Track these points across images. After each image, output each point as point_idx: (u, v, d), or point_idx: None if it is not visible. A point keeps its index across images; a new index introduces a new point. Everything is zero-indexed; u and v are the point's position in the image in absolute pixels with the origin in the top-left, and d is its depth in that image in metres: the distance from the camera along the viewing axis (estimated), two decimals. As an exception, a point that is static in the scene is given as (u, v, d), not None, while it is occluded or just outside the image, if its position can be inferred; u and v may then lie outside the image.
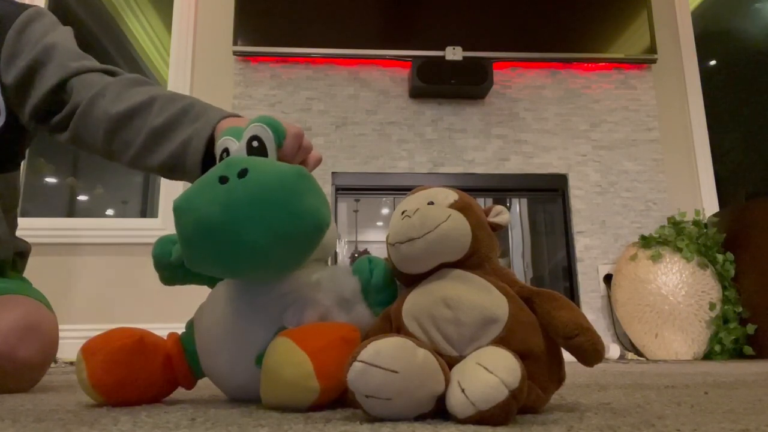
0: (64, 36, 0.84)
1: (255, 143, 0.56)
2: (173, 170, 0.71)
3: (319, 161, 0.67)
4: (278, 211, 0.46)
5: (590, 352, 0.47)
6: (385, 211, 2.60)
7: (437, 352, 0.46)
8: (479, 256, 0.52)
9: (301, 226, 0.48)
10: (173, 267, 0.61)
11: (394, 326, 0.52)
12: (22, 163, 0.92)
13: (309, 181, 0.50)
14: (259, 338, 0.54)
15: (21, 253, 0.94)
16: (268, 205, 0.46)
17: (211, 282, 0.64)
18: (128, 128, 0.72)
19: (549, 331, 0.49)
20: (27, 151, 0.93)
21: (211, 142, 0.67)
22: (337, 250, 2.34)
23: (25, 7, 0.86)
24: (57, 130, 0.80)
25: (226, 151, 0.57)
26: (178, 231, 0.49)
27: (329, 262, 0.69)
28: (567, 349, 0.48)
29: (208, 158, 0.68)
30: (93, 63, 0.81)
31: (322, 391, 0.47)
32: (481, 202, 0.58)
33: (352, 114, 2.43)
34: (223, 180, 0.47)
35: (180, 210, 0.49)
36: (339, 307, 0.56)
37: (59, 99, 0.78)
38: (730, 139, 2.92)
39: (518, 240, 2.52)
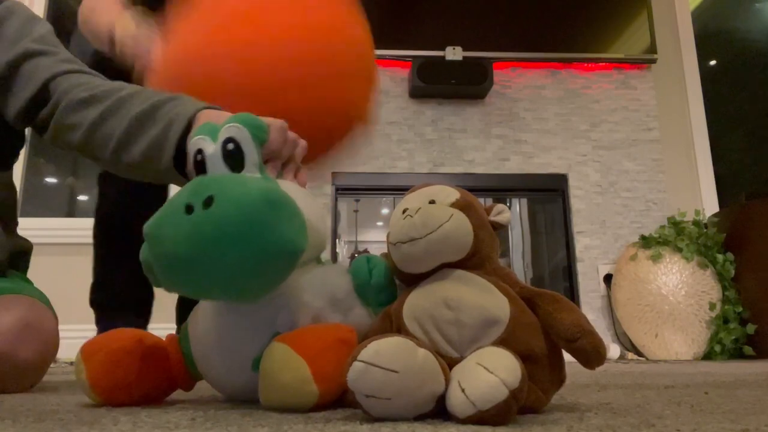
0: (42, 33, 0.81)
1: (230, 146, 0.53)
2: (151, 164, 0.67)
3: (305, 149, 0.64)
4: (243, 245, 0.45)
5: (592, 355, 0.47)
6: (385, 211, 2.60)
7: (437, 353, 0.46)
8: (481, 257, 0.52)
9: (271, 258, 0.46)
10: None
11: (394, 326, 0.52)
12: (16, 164, 0.89)
13: (280, 207, 0.47)
14: (253, 342, 0.53)
15: (22, 252, 0.93)
16: (235, 241, 0.44)
17: None
18: (110, 119, 0.70)
19: (550, 333, 0.49)
20: (20, 152, 0.91)
21: (185, 137, 0.64)
22: (337, 250, 2.34)
23: None
24: (40, 129, 0.78)
25: (200, 152, 0.54)
26: (150, 255, 0.48)
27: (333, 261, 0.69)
28: (569, 351, 0.48)
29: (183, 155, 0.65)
30: (76, 64, 0.78)
31: (321, 394, 0.47)
32: (481, 202, 0.58)
33: (352, 114, 2.43)
34: (189, 209, 0.45)
35: (149, 236, 0.48)
36: (332, 308, 0.56)
37: (43, 99, 0.76)
38: (730, 139, 2.92)
39: (518, 240, 2.52)
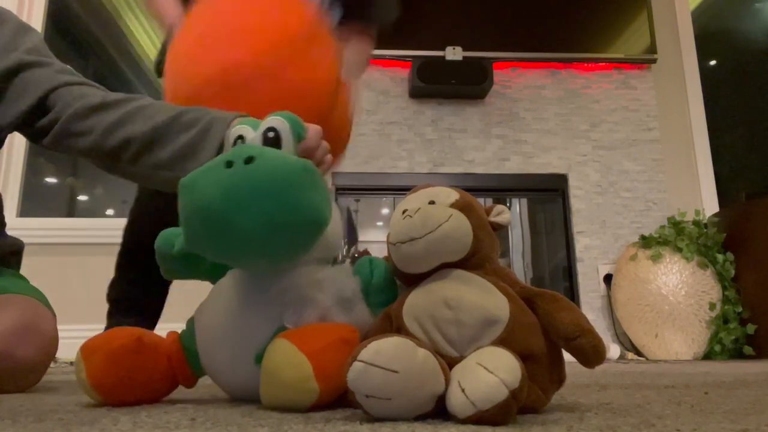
0: (33, 43, 0.81)
1: (271, 134, 0.57)
2: (183, 164, 0.69)
3: (331, 162, 0.69)
4: (276, 201, 0.47)
5: (591, 354, 0.47)
6: (385, 211, 2.60)
7: (437, 353, 0.46)
8: (480, 257, 0.52)
9: (298, 220, 0.48)
10: (175, 259, 0.62)
11: (394, 326, 0.52)
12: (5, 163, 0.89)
13: (314, 177, 0.50)
14: (259, 336, 0.54)
15: (14, 251, 0.94)
16: (267, 195, 0.46)
17: (212, 277, 0.64)
18: (129, 124, 0.72)
19: (550, 333, 0.49)
20: (2, 152, 0.91)
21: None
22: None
23: None
24: (36, 136, 0.78)
25: (240, 138, 0.58)
26: (180, 209, 0.49)
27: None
28: (568, 350, 0.48)
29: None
30: (74, 76, 0.79)
31: (322, 392, 0.47)
32: (481, 202, 0.58)
33: (352, 114, 2.43)
34: (229, 165, 0.47)
35: (184, 188, 0.49)
36: (339, 307, 0.56)
37: (42, 110, 0.76)
38: (730, 139, 2.92)
39: (518, 240, 2.52)
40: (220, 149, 0.67)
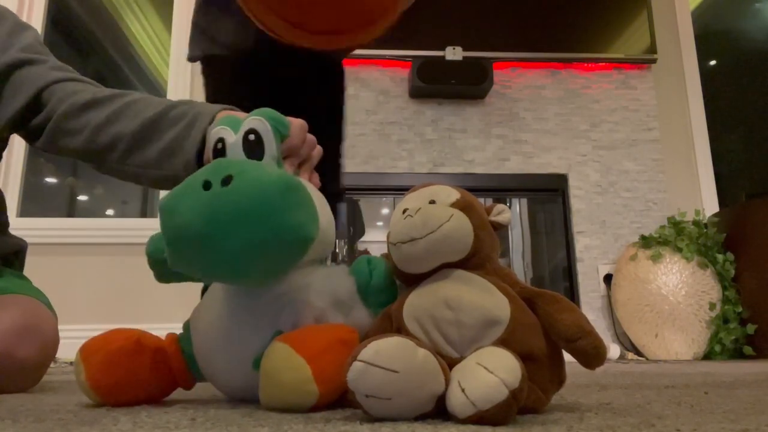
0: (29, 41, 0.80)
1: (252, 137, 0.55)
2: (170, 162, 0.69)
3: (320, 154, 0.66)
4: (258, 224, 0.45)
5: (592, 356, 0.47)
6: (385, 211, 2.60)
7: (438, 353, 0.46)
8: (481, 257, 0.52)
9: (282, 240, 0.47)
10: (167, 264, 0.61)
11: (394, 326, 0.52)
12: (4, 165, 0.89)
13: (296, 194, 0.48)
14: (255, 341, 0.53)
15: (17, 252, 0.94)
16: (248, 218, 0.45)
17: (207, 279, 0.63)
18: (118, 121, 0.71)
19: (551, 334, 0.48)
20: (3, 154, 0.91)
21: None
22: (336, 250, 2.34)
23: None
24: (31, 136, 0.78)
25: (221, 141, 0.56)
26: (162, 231, 0.49)
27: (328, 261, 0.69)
28: (569, 352, 0.48)
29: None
30: (68, 72, 0.79)
31: (322, 394, 0.47)
32: (481, 202, 0.58)
33: (352, 114, 2.43)
34: (207, 185, 0.46)
35: (164, 210, 0.48)
36: (335, 309, 0.56)
37: (36, 108, 0.76)
38: (730, 139, 2.92)
39: (518, 240, 2.52)
40: (202, 144, 0.66)
